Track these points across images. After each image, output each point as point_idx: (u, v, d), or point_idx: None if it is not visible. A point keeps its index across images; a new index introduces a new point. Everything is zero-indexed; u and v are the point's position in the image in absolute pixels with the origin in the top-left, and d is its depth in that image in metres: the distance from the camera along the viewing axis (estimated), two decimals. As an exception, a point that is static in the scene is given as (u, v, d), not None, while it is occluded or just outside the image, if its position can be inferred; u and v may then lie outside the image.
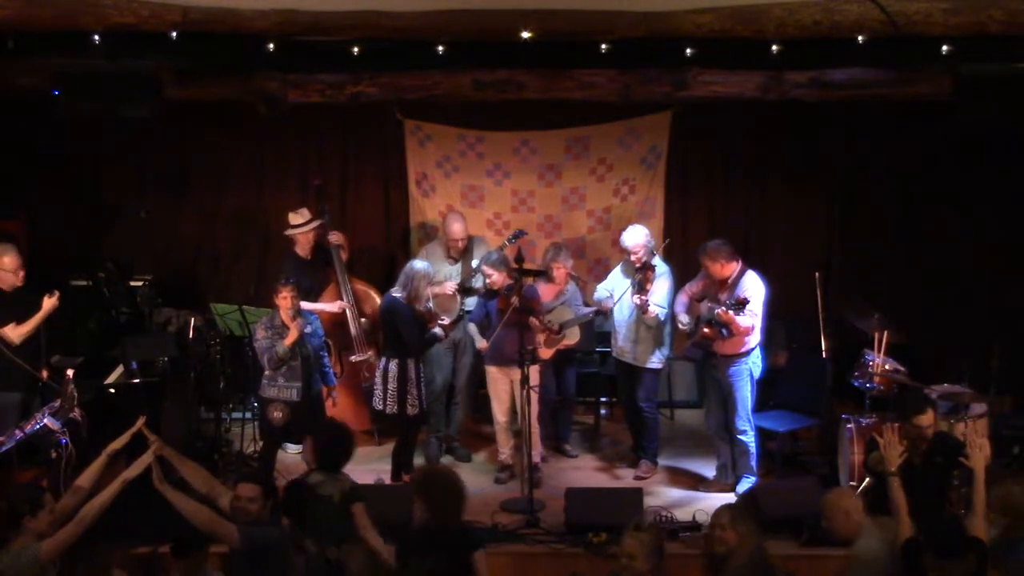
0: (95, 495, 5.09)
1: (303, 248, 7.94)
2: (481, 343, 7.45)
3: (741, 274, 7.01)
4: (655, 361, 7.49)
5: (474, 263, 7.90)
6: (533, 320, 7.17)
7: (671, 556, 6.29)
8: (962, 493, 6.01)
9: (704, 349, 7.17)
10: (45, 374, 6.86)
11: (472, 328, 7.60)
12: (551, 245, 7.96)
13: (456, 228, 7.86)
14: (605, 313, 7.75)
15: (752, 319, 6.90)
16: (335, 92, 7.95)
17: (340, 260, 7.97)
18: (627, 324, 7.47)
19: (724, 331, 6.92)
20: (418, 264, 7.21)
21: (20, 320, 6.79)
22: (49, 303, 6.87)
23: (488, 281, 7.40)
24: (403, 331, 7.03)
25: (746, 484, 7.15)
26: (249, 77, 7.81)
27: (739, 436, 7.15)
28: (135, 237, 8.94)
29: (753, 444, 7.17)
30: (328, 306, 7.87)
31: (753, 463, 7.19)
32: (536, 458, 7.34)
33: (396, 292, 7.14)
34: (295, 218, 7.93)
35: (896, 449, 4.92)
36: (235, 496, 5.06)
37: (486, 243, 8.25)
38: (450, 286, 7.73)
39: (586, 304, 8.00)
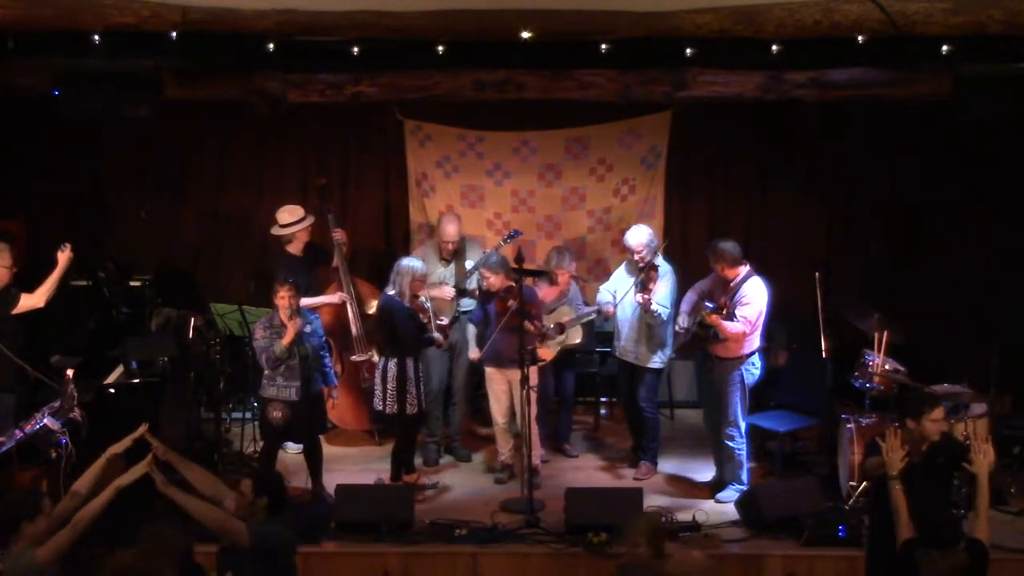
0: (91, 499, 5.09)
1: (296, 247, 7.91)
2: (474, 352, 7.45)
3: (745, 279, 7.00)
4: (657, 361, 7.49)
5: (468, 263, 7.90)
6: (529, 324, 7.15)
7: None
8: (963, 493, 6.03)
9: (698, 348, 7.16)
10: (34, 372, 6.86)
11: (471, 330, 7.59)
12: (554, 250, 7.93)
13: (449, 230, 7.79)
14: (607, 316, 7.73)
15: (743, 325, 6.89)
16: (335, 92, 7.94)
17: (342, 258, 7.97)
18: (630, 324, 7.46)
19: (712, 332, 6.90)
20: (404, 262, 7.20)
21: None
22: (64, 257, 6.93)
23: (485, 284, 7.40)
24: (400, 329, 7.03)
25: (731, 493, 7.11)
26: (249, 77, 7.79)
27: (726, 441, 7.13)
28: (135, 237, 8.95)
29: (743, 452, 7.14)
30: (329, 298, 7.87)
31: (741, 473, 7.15)
32: (536, 460, 7.34)
33: (390, 291, 7.14)
34: (285, 216, 7.86)
35: (899, 453, 4.90)
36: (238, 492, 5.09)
37: (479, 244, 8.25)
38: (448, 291, 7.70)
39: (587, 304, 8.01)
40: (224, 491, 5.22)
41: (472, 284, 7.77)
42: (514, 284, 7.12)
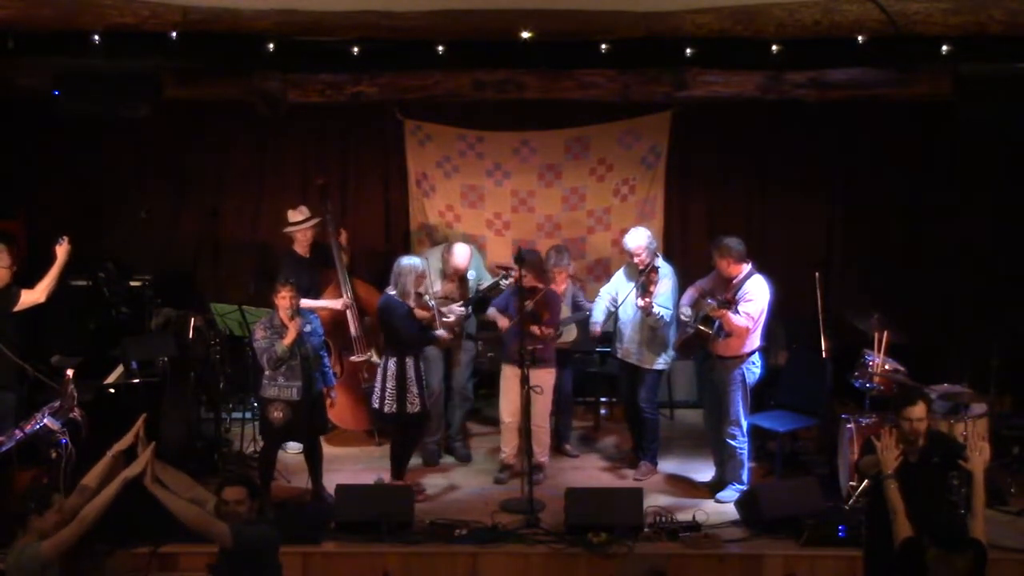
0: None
1: (302, 246, 7.94)
2: (503, 321, 7.42)
3: (748, 276, 6.99)
4: (660, 363, 7.49)
5: (471, 273, 7.90)
6: (535, 328, 7.13)
7: (672, 556, 6.37)
8: (961, 493, 6.02)
9: (699, 346, 7.16)
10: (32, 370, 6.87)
11: (492, 311, 7.55)
12: (552, 249, 7.92)
13: (460, 261, 7.74)
14: (594, 336, 7.70)
15: (747, 321, 6.89)
16: (335, 92, 7.95)
17: (341, 260, 7.97)
18: (632, 325, 7.45)
19: (717, 326, 6.89)
20: (404, 261, 7.18)
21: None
22: (62, 251, 6.96)
23: (506, 283, 7.40)
24: (399, 327, 7.02)
25: (731, 493, 7.11)
26: (249, 77, 7.81)
27: (728, 440, 7.12)
28: (135, 237, 8.94)
29: (744, 452, 7.13)
30: (331, 303, 7.87)
31: (742, 472, 7.15)
32: (544, 457, 7.39)
33: (390, 290, 7.14)
34: (294, 215, 7.94)
35: (893, 452, 4.91)
36: (222, 500, 5.02)
37: (480, 255, 8.21)
38: (458, 310, 7.66)
39: (586, 302, 8.00)
40: (203, 494, 5.21)
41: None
42: (540, 286, 7.14)
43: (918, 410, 5.14)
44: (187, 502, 5.03)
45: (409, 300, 7.05)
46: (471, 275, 7.93)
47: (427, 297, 7.16)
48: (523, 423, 7.07)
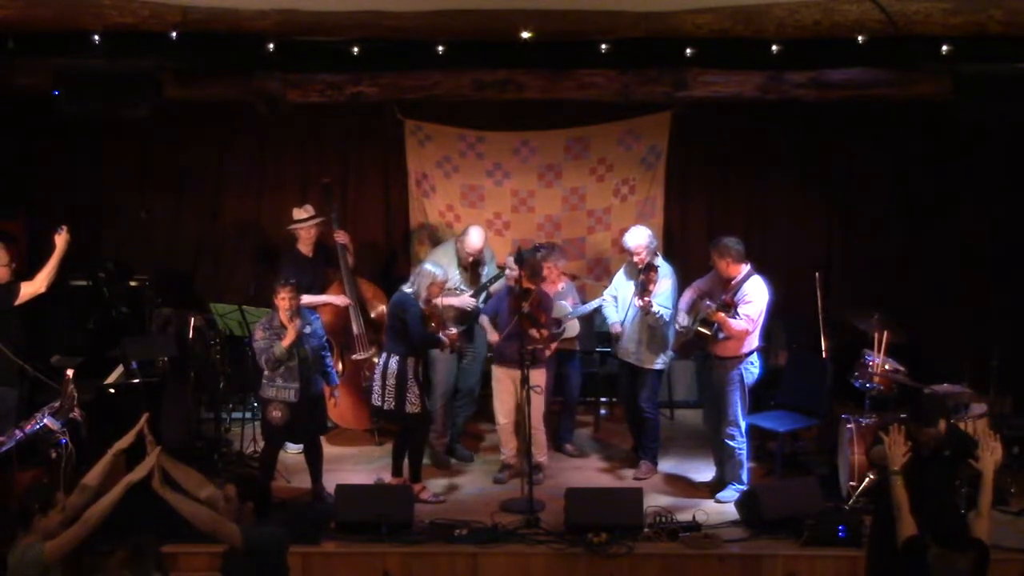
0: (101, 493, 5.09)
1: (305, 245, 7.93)
2: (492, 335, 7.42)
3: (746, 277, 6.99)
4: (659, 363, 7.49)
5: (485, 270, 7.90)
6: (534, 332, 7.12)
7: (671, 556, 6.37)
8: (963, 493, 6.02)
9: (698, 346, 7.16)
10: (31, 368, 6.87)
11: (484, 320, 7.56)
12: (544, 245, 7.94)
13: (475, 243, 7.74)
14: (616, 335, 7.70)
15: (746, 323, 6.89)
16: (335, 92, 7.94)
17: (346, 260, 7.97)
18: (631, 325, 7.46)
19: (716, 327, 6.90)
20: (427, 265, 7.20)
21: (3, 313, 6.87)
22: (62, 240, 6.98)
23: (510, 273, 7.38)
24: (411, 326, 7.00)
25: (731, 493, 7.10)
26: (249, 77, 7.80)
27: (726, 440, 7.12)
28: (135, 237, 8.94)
29: (743, 451, 7.13)
30: (335, 298, 7.87)
31: (742, 472, 7.14)
32: (543, 457, 7.38)
33: (407, 288, 7.14)
34: (299, 213, 7.94)
35: (900, 448, 4.89)
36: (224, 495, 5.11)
37: (495, 257, 8.24)
38: (469, 301, 7.68)
39: (583, 301, 8.01)
40: (214, 492, 5.22)
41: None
42: (533, 288, 7.13)
43: (935, 431, 5.11)
44: (197, 504, 5.05)
45: (420, 301, 7.06)
46: (485, 271, 7.91)
47: (437, 303, 7.17)
48: (523, 423, 7.08)
